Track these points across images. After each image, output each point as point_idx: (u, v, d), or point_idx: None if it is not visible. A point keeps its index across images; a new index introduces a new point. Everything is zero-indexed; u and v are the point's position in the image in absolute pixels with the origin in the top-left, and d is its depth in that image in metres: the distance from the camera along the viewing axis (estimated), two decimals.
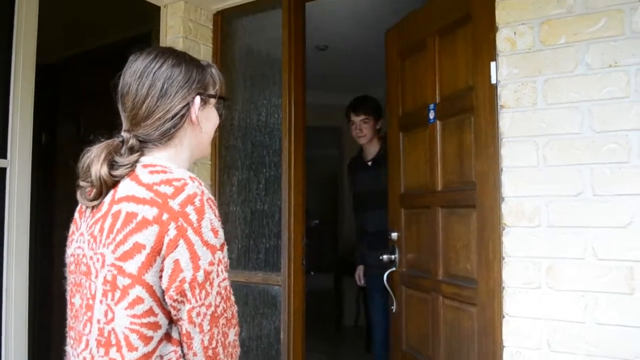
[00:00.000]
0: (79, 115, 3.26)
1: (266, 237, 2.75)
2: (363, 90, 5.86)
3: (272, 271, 2.69)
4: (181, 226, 0.95)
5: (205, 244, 0.96)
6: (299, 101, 2.74)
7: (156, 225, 0.95)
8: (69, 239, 1.13)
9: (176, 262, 0.94)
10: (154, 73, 1.07)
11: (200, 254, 0.96)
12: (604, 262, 1.72)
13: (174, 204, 0.96)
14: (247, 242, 2.81)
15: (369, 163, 3.28)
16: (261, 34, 2.92)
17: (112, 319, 0.96)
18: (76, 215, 1.14)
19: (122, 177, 1.03)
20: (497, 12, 1.98)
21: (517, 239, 1.88)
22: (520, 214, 1.88)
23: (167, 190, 0.97)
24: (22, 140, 2.29)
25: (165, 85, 1.06)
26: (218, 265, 0.98)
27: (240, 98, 2.94)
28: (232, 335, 1.03)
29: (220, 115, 1.20)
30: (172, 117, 1.07)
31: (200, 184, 1.01)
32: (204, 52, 2.96)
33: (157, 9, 2.91)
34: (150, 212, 0.95)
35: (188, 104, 1.09)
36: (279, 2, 2.78)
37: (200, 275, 0.95)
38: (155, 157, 1.08)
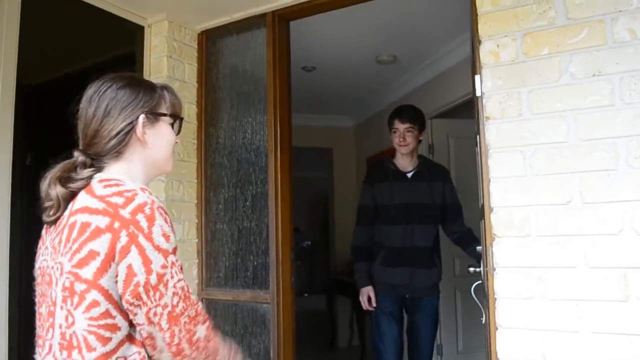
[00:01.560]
0: (64, 136, 3.21)
1: (254, 254, 2.71)
2: (353, 111, 5.96)
3: (260, 289, 2.65)
4: (132, 233, 1.01)
5: (157, 248, 1.03)
6: (285, 119, 2.74)
7: (109, 233, 1.02)
8: (37, 254, 1.21)
9: (129, 267, 1.01)
10: (101, 96, 1.18)
11: (152, 258, 1.02)
12: (596, 270, 1.70)
13: (125, 212, 1.03)
14: (234, 260, 2.76)
15: (409, 175, 3.07)
16: (246, 52, 2.92)
17: (73, 323, 1.02)
18: (43, 231, 1.22)
19: (77, 189, 1.11)
20: (479, 26, 2.00)
21: (507, 249, 1.86)
22: (509, 223, 1.87)
23: (118, 200, 1.05)
24: (1, 160, 2.24)
25: (109, 106, 1.16)
26: (171, 267, 1.05)
27: (225, 116, 2.93)
28: (202, 331, 1.10)
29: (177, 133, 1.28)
30: (116, 135, 1.16)
31: (150, 194, 1.08)
32: (188, 71, 2.95)
33: (140, 28, 2.90)
34: (102, 221, 1.03)
35: (132, 122, 1.17)
36: (263, 21, 2.80)
37: (153, 278, 1.02)
38: (110, 172, 1.16)
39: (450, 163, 4.43)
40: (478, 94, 2.03)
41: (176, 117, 1.26)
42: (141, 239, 1.01)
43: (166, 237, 1.05)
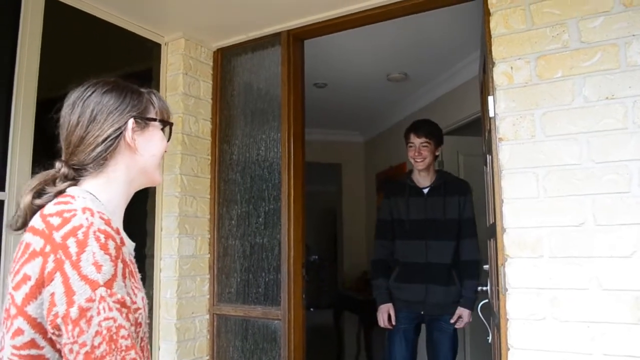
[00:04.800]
0: None
1: (265, 271, 2.72)
2: (363, 127, 6.00)
3: (271, 305, 2.66)
4: (59, 259, 0.90)
5: (84, 278, 0.89)
6: (298, 136, 2.77)
7: (40, 257, 0.92)
8: None
9: (52, 295, 0.89)
10: (84, 101, 1.08)
11: (76, 288, 0.88)
12: (608, 292, 1.71)
13: (57, 235, 0.92)
14: (246, 276, 2.78)
15: (425, 190, 3.03)
16: (260, 70, 2.96)
17: (2, 348, 0.95)
18: None
19: (40, 206, 1.02)
20: (493, 48, 2.03)
21: (520, 269, 1.87)
22: (522, 244, 1.88)
23: (55, 221, 0.94)
24: (21, 174, 2.28)
25: (95, 111, 1.07)
26: (100, 302, 0.89)
27: (239, 133, 2.96)
28: None
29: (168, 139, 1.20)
30: (103, 141, 1.07)
31: (92, 214, 0.95)
32: (203, 88, 3.00)
33: (157, 46, 2.96)
34: (39, 243, 0.93)
35: (120, 127, 1.08)
36: (278, 39, 2.84)
37: (73, 312, 0.88)
38: (83, 186, 1.07)
39: None
40: (491, 114, 2.05)
41: (166, 123, 1.18)
42: (67, 267, 0.89)
43: (97, 267, 0.90)
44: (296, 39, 2.83)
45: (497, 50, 2.02)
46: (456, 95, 4.22)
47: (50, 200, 1.01)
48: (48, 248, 0.91)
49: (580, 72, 1.84)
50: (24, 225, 1.03)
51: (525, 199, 1.89)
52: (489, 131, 2.17)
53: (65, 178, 1.06)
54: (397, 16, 2.60)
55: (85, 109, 1.07)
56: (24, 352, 0.92)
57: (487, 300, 2.47)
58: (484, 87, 2.28)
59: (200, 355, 2.81)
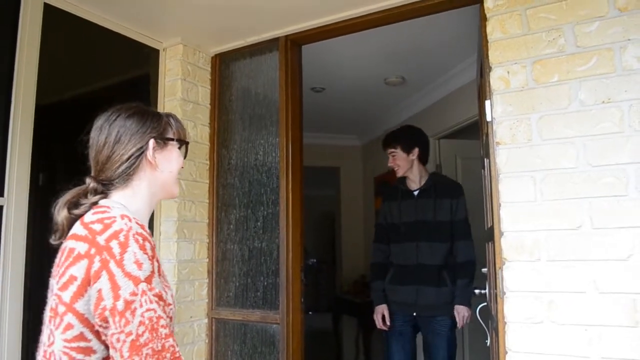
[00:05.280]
0: (76, 156, 3.25)
1: (264, 275, 2.73)
2: (360, 131, 6.01)
3: (270, 309, 2.67)
4: (104, 259, 1.04)
5: (127, 275, 1.04)
6: (296, 140, 2.78)
7: (86, 259, 1.06)
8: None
9: (99, 291, 1.03)
10: (110, 125, 1.25)
11: (121, 284, 1.03)
12: (606, 295, 1.72)
13: (101, 239, 1.06)
14: (244, 280, 2.79)
15: (415, 193, 3.11)
16: (258, 75, 2.97)
17: (53, 342, 1.07)
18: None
19: (79, 216, 1.17)
20: (490, 52, 2.04)
21: (517, 273, 1.88)
22: (520, 248, 1.89)
23: (97, 227, 1.09)
24: (19, 179, 2.29)
25: (120, 133, 1.24)
26: (142, 296, 1.04)
27: (238, 138, 2.97)
28: None
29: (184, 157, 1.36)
30: (127, 159, 1.23)
31: (130, 220, 1.11)
32: (202, 93, 3.01)
33: (155, 52, 2.96)
34: (83, 247, 1.07)
35: (142, 147, 1.25)
36: (276, 45, 2.86)
37: (120, 304, 1.02)
38: (112, 199, 1.22)
39: None
40: (488, 119, 2.06)
41: (183, 142, 1.34)
42: (112, 265, 1.04)
43: (138, 265, 1.05)
44: (294, 44, 2.84)
45: (493, 55, 2.03)
46: (453, 99, 4.23)
47: (87, 211, 1.17)
48: (93, 250, 1.05)
49: (576, 77, 1.86)
50: (61, 235, 1.18)
51: (523, 202, 1.90)
52: (487, 135, 2.18)
53: (96, 192, 1.22)
54: (394, 21, 2.61)
55: (112, 131, 1.24)
56: (74, 344, 1.05)
57: (485, 304, 2.48)
58: (481, 91, 2.30)
59: (199, 359, 2.81)
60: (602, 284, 1.73)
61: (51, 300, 1.10)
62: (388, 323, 3.02)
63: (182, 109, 2.86)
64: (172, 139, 1.31)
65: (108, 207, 1.16)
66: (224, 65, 3.08)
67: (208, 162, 2.99)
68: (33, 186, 2.40)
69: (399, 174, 3.11)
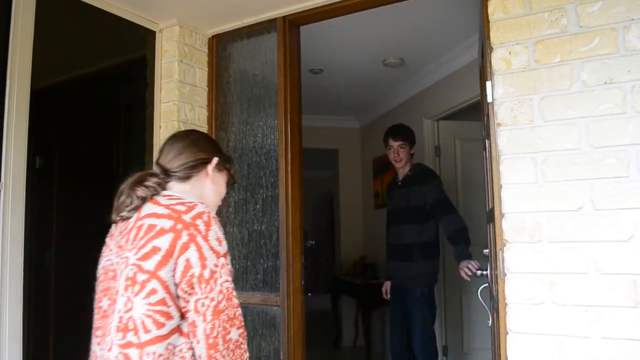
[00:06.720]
0: (73, 139, 3.24)
1: (264, 257, 2.73)
2: (359, 113, 5.98)
3: (270, 292, 2.67)
4: (192, 233, 1.21)
5: (212, 249, 1.22)
6: (295, 122, 2.76)
7: (171, 233, 1.21)
8: (100, 257, 1.40)
9: (187, 260, 1.19)
10: (186, 133, 1.55)
11: (207, 255, 1.21)
12: (607, 276, 1.72)
13: (187, 217, 1.23)
14: (245, 263, 2.78)
15: (399, 183, 3.59)
16: (256, 57, 2.94)
17: (131, 309, 1.18)
18: (107, 239, 1.42)
19: (149, 196, 1.33)
20: (491, 33, 2.02)
21: (518, 254, 1.88)
22: (520, 229, 1.88)
23: (181, 208, 1.26)
24: (16, 164, 2.27)
25: (193, 142, 1.47)
26: (222, 268, 1.23)
27: (236, 120, 2.95)
28: (235, 334, 1.24)
29: (227, 191, 1.57)
30: (194, 159, 1.43)
31: (207, 207, 1.29)
32: (199, 75, 2.97)
33: (152, 33, 2.92)
34: (167, 223, 1.23)
35: (208, 158, 1.46)
36: (274, 26, 2.82)
37: (206, 273, 1.20)
38: (173, 190, 1.39)
39: (456, 164, 4.45)
40: (489, 100, 2.05)
41: (232, 178, 1.57)
42: (199, 239, 1.21)
43: (219, 242, 1.24)
44: (292, 24, 2.80)
45: (495, 35, 2.01)
46: (453, 80, 4.20)
47: (152, 194, 1.33)
48: (179, 226, 1.21)
49: (578, 57, 1.84)
50: (135, 209, 1.32)
51: (524, 184, 1.90)
52: (487, 116, 2.16)
53: (157, 177, 1.38)
54: (393, 1, 2.57)
55: (186, 138, 1.48)
56: (158, 308, 1.17)
57: (486, 285, 2.50)
58: (483, 72, 2.27)
59: None
60: (603, 265, 1.73)
61: (126, 271, 1.21)
62: (388, 296, 3.67)
63: (179, 91, 2.83)
64: (229, 170, 1.54)
65: (180, 196, 1.32)
66: (221, 47, 3.04)
67: None
68: (30, 169, 2.39)
69: (400, 165, 3.55)
